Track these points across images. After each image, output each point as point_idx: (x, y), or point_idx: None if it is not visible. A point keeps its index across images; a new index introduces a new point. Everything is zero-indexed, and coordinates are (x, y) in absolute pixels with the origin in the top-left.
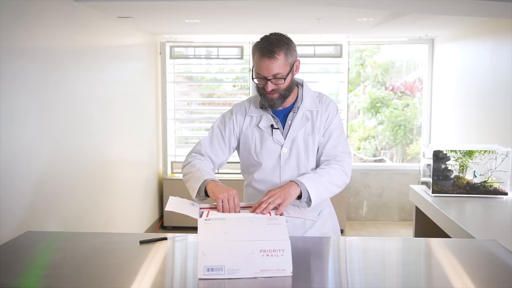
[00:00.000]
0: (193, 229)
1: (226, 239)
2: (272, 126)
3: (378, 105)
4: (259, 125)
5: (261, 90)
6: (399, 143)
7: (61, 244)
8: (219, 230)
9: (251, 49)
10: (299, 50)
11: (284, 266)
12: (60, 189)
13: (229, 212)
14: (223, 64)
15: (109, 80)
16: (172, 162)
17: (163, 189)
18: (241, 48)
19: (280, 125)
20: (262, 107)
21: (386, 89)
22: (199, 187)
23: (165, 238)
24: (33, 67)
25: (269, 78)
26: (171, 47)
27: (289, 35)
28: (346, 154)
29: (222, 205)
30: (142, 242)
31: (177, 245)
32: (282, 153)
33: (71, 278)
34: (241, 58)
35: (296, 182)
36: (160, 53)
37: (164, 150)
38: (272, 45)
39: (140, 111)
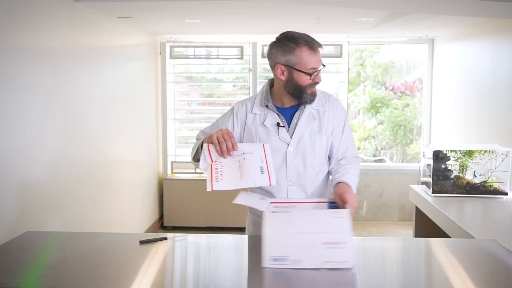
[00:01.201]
0: (193, 229)
1: (290, 230)
2: (278, 124)
3: (378, 105)
4: (264, 123)
5: (305, 88)
6: (399, 143)
7: (61, 244)
8: (284, 222)
9: (283, 49)
10: None
11: (346, 258)
12: (60, 189)
13: (226, 144)
14: (223, 64)
15: (109, 80)
16: (172, 162)
17: (163, 189)
18: (241, 48)
19: (285, 123)
20: (268, 105)
21: (386, 89)
22: (197, 148)
23: (165, 238)
24: (33, 67)
25: (319, 68)
26: (171, 47)
27: None
28: (357, 152)
29: (218, 140)
30: (142, 242)
31: (177, 245)
32: (288, 152)
33: (71, 278)
34: (241, 58)
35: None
36: (160, 53)
37: (164, 150)
38: (313, 38)
39: (140, 111)
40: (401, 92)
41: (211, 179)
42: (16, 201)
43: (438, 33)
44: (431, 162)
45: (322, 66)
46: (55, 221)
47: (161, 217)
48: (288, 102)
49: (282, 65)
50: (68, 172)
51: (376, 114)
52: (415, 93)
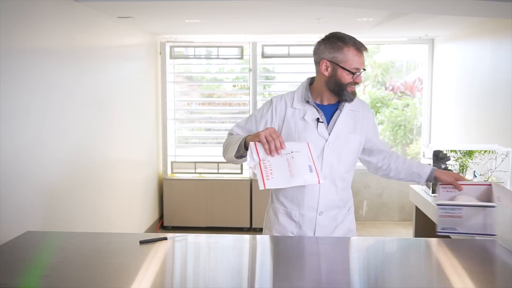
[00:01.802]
0: (193, 229)
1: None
2: (317, 119)
3: (378, 105)
4: (304, 118)
5: (346, 85)
6: (399, 143)
7: (61, 244)
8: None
9: (332, 46)
10: (299, 50)
11: None
12: (60, 189)
13: (274, 143)
14: (223, 64)
15: (109, 80)
16: (172, 162)
17: (163, 189)
18: (241, 48)
19: (324, 119)
20: (308, 101)
21: (386, 89)
22: (239, 144)
23: (165, 238)
24: (33, 67)
25: (362, 70)
26: (171, 47)
27: (289, 35)
28: None
29: (266, 139)
30: (142, 242)
31: (177, 245)
32: (326, 147)
33: (71, 278)
34: (241, 58)
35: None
36: (160, 53)
37: (164, 150)
38: (360, 41)
39: (140, 111)
40: (401, 92)
41: (262, 177)
42: (16, 201)
43: (438, 33)
44: (431, 162)
45: (363, 70)
46: (55, 221)
47: (161, 217)
48: (327, 100)
49: (328, 61)
50: (68, 172)
51: (376, 114)
52: (415, 93)
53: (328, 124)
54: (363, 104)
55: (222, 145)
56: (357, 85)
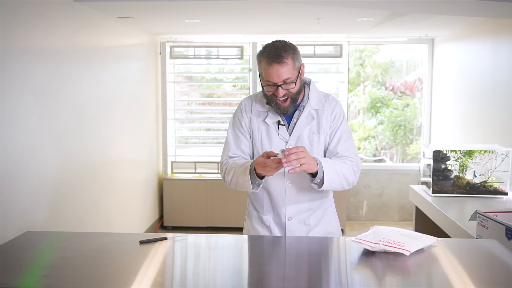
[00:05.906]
0: (193, 229)
1: None
2: (278, 122)
3: (378, 105)
4: (265, 120)
5: (271, 97)
6: (399, 143)
7: (61, 244)
8: None
9: (256, 58)
10: (299, 50)
11: None
12: (60, 189)
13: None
14: (223, 64)
15: (109, 80)
16: (172, 162)
17: (163, 189)
18: (241, 48)
19: (285, 122)
20: (268, 103)
21: (386, 89)
22: (250, 176)
23: (165, 238)
24: (34, 67)
25: (280, 84)
26: (171, 47)
27: (289, 35)
28: (357, 157)
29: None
30: (142, 242)
31: (177, 245)
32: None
33: (71, 278)
34: (241, 58)
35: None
36: (160, 53)
37: (164, 150)
38: (280, 51)
39: (140, 111)
40: (401, 92)
41: (398, 248)
42: (16, 201)
43: (438, 33)
44: (431, 162)
45: (279, 84)
46: (55, 221)
47: (161, 217)
48: None
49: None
50: (68, 172)
51: (376, 114)
52: (415, 93)
53: (289, 125)
54: (329, 99)
55: (222, 145)
56: (284, 98)
